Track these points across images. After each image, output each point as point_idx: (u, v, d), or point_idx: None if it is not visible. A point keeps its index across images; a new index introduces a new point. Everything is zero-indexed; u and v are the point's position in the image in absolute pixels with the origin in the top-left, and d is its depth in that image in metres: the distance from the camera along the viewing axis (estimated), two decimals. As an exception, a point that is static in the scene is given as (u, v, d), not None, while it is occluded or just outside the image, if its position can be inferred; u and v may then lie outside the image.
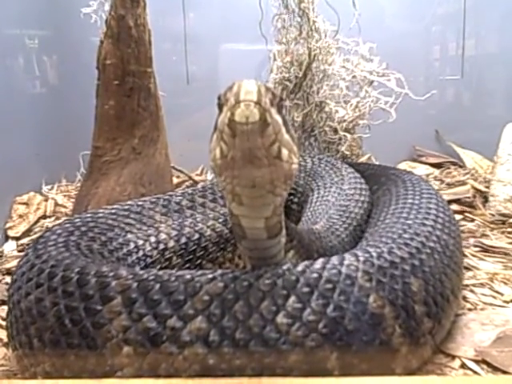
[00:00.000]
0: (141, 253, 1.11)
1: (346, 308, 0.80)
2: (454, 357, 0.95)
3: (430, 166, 2.30)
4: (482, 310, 1.12)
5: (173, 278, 0.80)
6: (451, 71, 2.32)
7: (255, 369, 0.75)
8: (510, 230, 1.61)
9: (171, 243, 1.16)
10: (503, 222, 1.67)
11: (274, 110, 0.71)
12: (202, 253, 1.19)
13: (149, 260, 1.12)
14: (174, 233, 1.17)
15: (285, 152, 0.74)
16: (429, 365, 0.92)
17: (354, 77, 1.59)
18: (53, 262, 0.89)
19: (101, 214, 1.15)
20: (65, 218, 1.68)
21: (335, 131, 1.61)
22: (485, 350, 0.95)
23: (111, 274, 0.82)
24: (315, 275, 0.82)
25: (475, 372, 0.90)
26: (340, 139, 1.62)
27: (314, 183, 1.43)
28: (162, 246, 1.14)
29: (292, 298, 0.79)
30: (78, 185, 2.16)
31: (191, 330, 0.76)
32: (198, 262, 1.19)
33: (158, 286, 0.79)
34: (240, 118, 0.68)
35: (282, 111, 0.75)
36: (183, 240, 1.17)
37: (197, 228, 1.20)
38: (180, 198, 1.26)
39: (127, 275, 0.82)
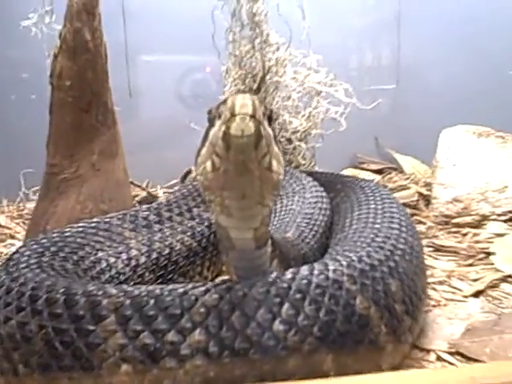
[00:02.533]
0: (113, 271, 1.09)
1: (337, 311, 0.83)
2: (428, 351, 1.00)
3: (372, 173, 2.39)
4: (444, 305, 1.18)
5: (166, 293, 0.80)
6: (388, 80, 2.43)
7: (256, 376, 0.76)
8: (454, 229, 1.71)
9: (143, 259, 1.14)
10: (447, 223, 1.77)
11: (266, 123, 0.74)
12: (173, 267, 1.19)
13: (122, 277, 1.10)
14: (144, 248, 1.16)
15: (274, 163, 0.77)
16: (407, 360, 0.96)
17: (304, 88, 1.64)
18: (32, 284, 0.86)
19: (68, 233, 1.11)
20: (27, 239, 1.60)
21: (289, 141, 1.65)
22: (457, 342, 1.00)
23: (100, 292, 0.81)
24: (305, 281, 0.84)
25: (451, 363, 0.96)
26: (294, 149, 1.66)
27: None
28: (133, 263, 1.13)
29: (286, 305, 0.80)
30: (21, 205, 2.08)
31: (190, 343, 0.76)
32: (170, 276, 1.18)
33: (152, 301, 0.79)
34: (235, 131, 0.69)
35: (271, 124, 0.77)
36: (154, 255, 1.16)
37: (166, 242, 1.20)
38: (147, 213, 1.24)
39: (117, 293, 0.80)
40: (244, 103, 0.69)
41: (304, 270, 0.87)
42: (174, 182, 2.20)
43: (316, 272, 0.86)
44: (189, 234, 1.24)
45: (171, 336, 0.76)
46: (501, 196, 1.84)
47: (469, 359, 0.96)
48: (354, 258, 0.93)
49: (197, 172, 0.82)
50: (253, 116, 0.69)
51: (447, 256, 1.48)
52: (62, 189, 1.34)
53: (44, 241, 1.07)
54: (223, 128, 0.70)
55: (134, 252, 1.14)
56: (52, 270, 0.96)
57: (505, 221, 1.75)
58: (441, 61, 2.22)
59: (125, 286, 0.85)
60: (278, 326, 0.78)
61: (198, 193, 1.38)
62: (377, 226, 1.13)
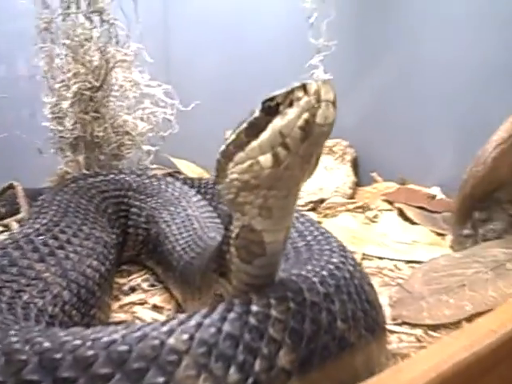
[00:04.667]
0: (46, 316, 0.82)
1: (365, 300, 0.83)
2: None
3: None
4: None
5: (227, 316, 0.66)
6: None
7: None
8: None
9: (66, 295, 0.89)
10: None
11: None
12: (93, 301, 0.97)
13: (56, 322, 0.84)
14: (64, 282, 0.91)
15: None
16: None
17: (134, 88, 1.50)
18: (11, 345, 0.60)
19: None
20: None
21: (133, 144, 1.49)
22: (396, 314, 1.10)
23: (154, 333, 0.62)
24: (337, 277, 0.81)
25: (407, 333, 1.04)
26: (128, 151, 1.50)
27: (153, 201, 1.30)
28: (60, 302, 0.87)
29: (337, 304, 0.76)
30: None
31: (281, 365, 0.65)
32: (92, 312, 0.96)
33: (226, 328, 0.64)
34: (321, 119, 0.63)
35: None
36: (75, 289, 0.92)
37: (80, 270, 0.96)
38: (42, 238, 0.97)
39: (175, 327, 0.63)
40: (328, 89, 0.64)
41: (320, 268, 0.83)
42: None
43: (332, 267, 0.84)
44: (95, 256, 1.02)
45: (258, 365, 0.64)
46: (298, 189, 2.04)
47: (414, 326, 1.07)
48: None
49: (233, 170, 0.71)
50: (334, 103, 0.65)
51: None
52: None
53: None
54: (305, 116, 0.63)
55: (55, 288, 0.88)
56: (5, 324, 0.68)
57: (308, 210, 1.95)
58: (216, 63, 2.26)
59: (161, 320, 0.67)
60: (341, 325, 0.74)
61: (76, 208, 1.14)
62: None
